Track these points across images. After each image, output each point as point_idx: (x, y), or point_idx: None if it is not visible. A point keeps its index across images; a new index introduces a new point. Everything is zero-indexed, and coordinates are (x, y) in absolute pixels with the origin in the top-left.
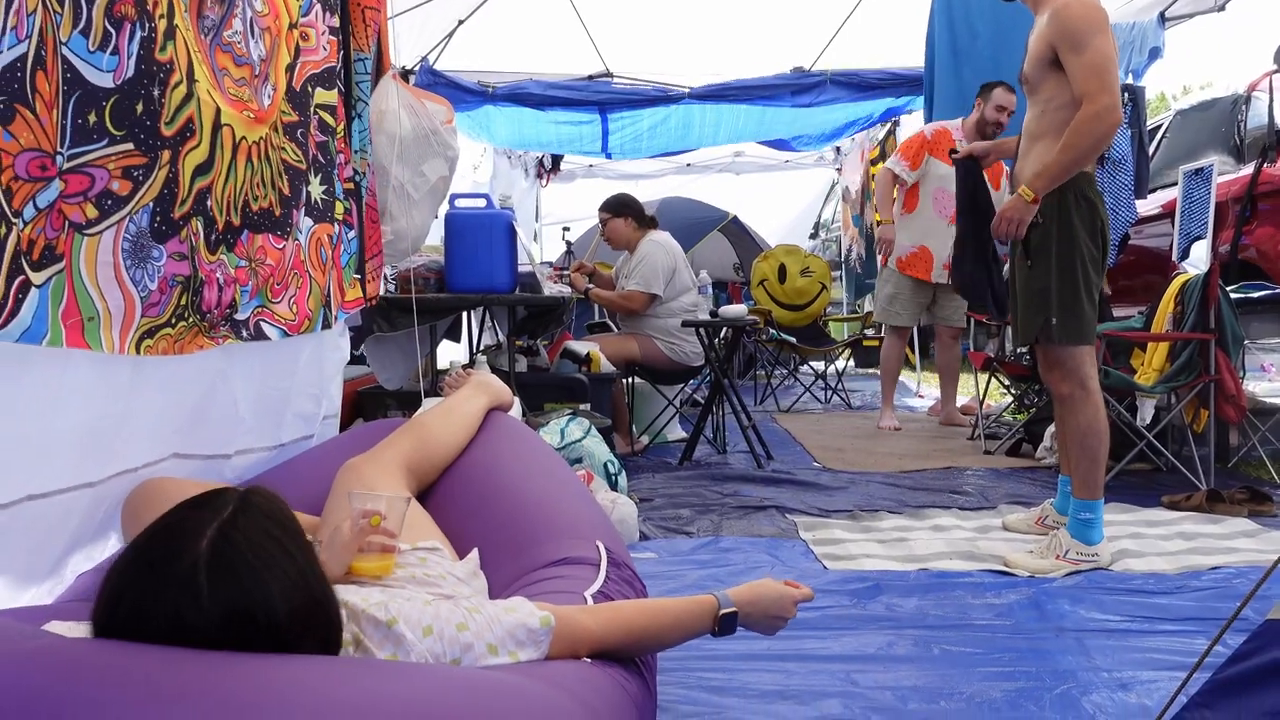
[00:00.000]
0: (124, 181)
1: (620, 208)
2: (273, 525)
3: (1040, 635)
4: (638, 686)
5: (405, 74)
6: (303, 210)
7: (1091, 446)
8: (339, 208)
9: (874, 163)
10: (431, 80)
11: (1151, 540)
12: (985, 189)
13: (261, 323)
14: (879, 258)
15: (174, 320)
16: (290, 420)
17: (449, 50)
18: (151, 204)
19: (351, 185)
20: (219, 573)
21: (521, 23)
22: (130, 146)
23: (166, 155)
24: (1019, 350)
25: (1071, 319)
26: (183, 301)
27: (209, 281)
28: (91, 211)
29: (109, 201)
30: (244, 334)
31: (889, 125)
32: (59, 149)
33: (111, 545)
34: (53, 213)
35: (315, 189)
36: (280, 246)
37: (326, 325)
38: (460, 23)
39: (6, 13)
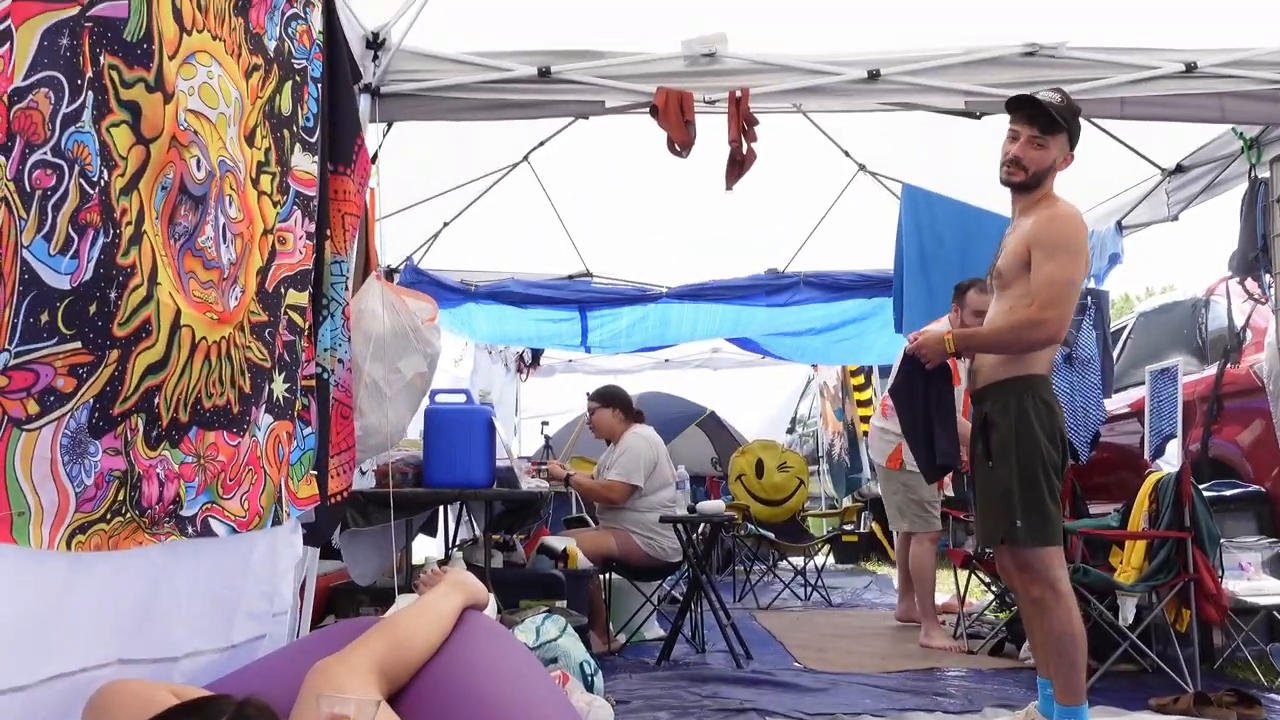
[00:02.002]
0: (69, 379)
1: (610, 399)
2: None
3: None
4: None
5: (390, 273)
6: (263, 408)
7: (1069, 651)
8: (298, 405)
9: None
10: (415, 278)
11: None
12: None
13: (210, 519)
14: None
15: (109, 515)
16: (241, 620)
17: (434, 250)
18: (92, 400)
19: (311, 383)
20: None
21: (504, 224)
22: (79, 345)
23: (115, 354)
24: (984, 550)
25: (1036, 520)
26: (119, 497)
27: (148, 477)
28: (33, 408)
29: (51, 398)
30: (190, 530)
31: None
32: (6, 346)
33: None
34: None
35: (279, 386)
36: (234, 443)
37: (278, 521)
38: (446, 224)
39: None
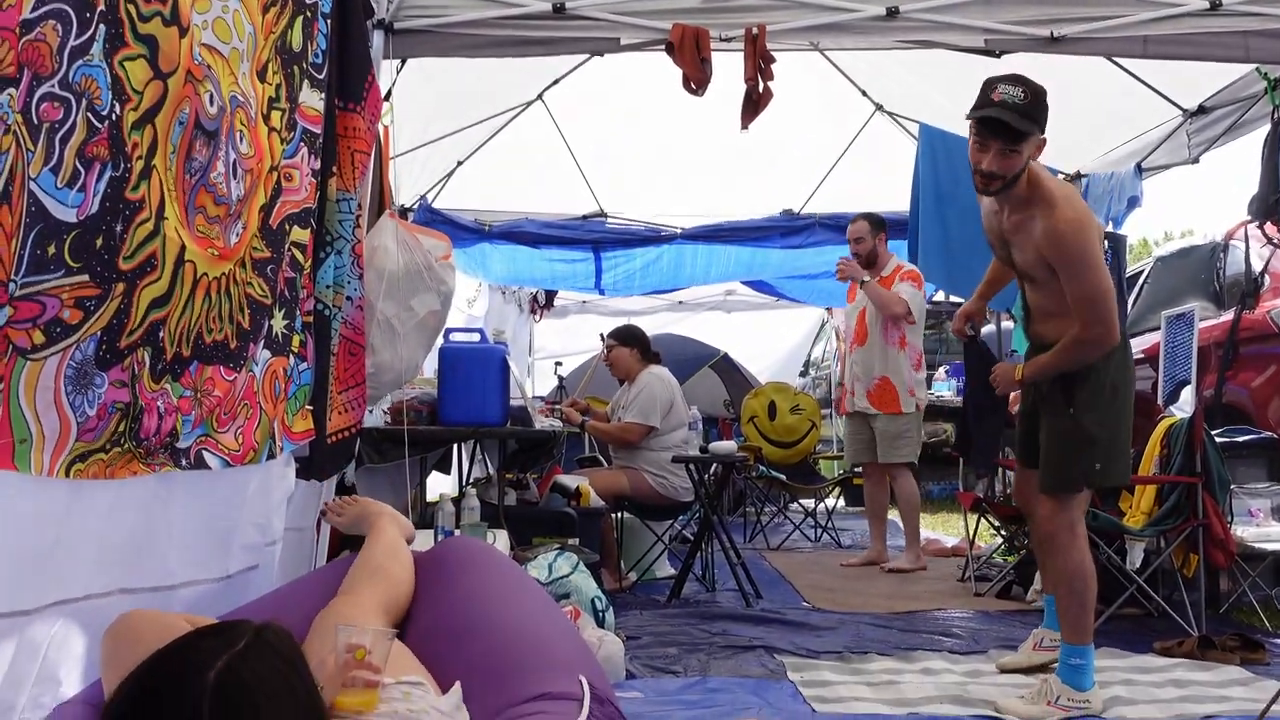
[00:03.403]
0: (75, 311)
1: (628, 338)
2: (283, 664)
3: None
4: None
5: (404, 212)
6: (262, 343)
7: (1079, 590)
8: (295, 341)
9: None
10: (429, 218)
11: (1144, 687)
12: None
13: (204, 452)
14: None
15: (108, 446)
16: (236, 551)
17: (448, 189)
18: (99, 333)
19: (310, 319)
20: (222, 706)
21: (518, 164)
22: (86, 278)
23: (121, 287)
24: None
25: (1115, 464)
26: (119, 428)
27: (149, 409)
28: (39, 338)
29: (58, 329)
30: (183, 462)
31: None
32: (13, 277)
33: (64, 690)
34: None
35: (278, 323)
36: (231, 378)
37: (272, 456)
38: (460, 163)
39: None
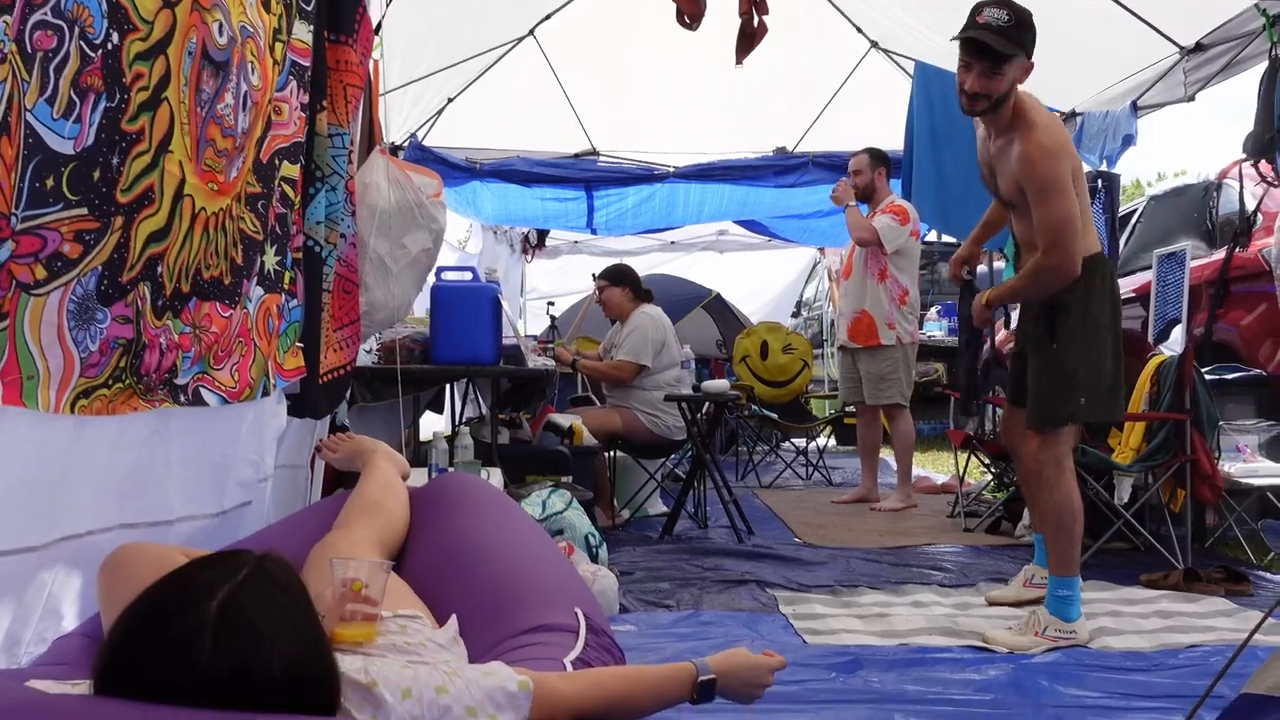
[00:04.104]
0: (75, 244)
1: (619, 277)
2: (282, 593)
3: (1020, 711)
4: None
5: (394, 149)
6: (255, 280)
7: (1067, 524)
8: (286, 277)
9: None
10: (420, 156)
11: (1130, 618)
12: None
13: (201, 389)
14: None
15: (110, 382)
16: (232, 487)
17: (438, 127)
18: (100, 267)
19: (300, 255)
20: (224, 635)
21: (509, 101)
22: (84, 211)
23: (119, 221)
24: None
25: (1100, 398)
26: (121, 364)
27: (151, 346)
28: (41, 273)
29: (59, 263)
30: (181, 399)
31: None
32: (14, 210)
33: (67, 624)
34: (1, 273)
35: (270, 259)
36: (227, 315)
37: (266, 393)
38: (450, 100)
39: None
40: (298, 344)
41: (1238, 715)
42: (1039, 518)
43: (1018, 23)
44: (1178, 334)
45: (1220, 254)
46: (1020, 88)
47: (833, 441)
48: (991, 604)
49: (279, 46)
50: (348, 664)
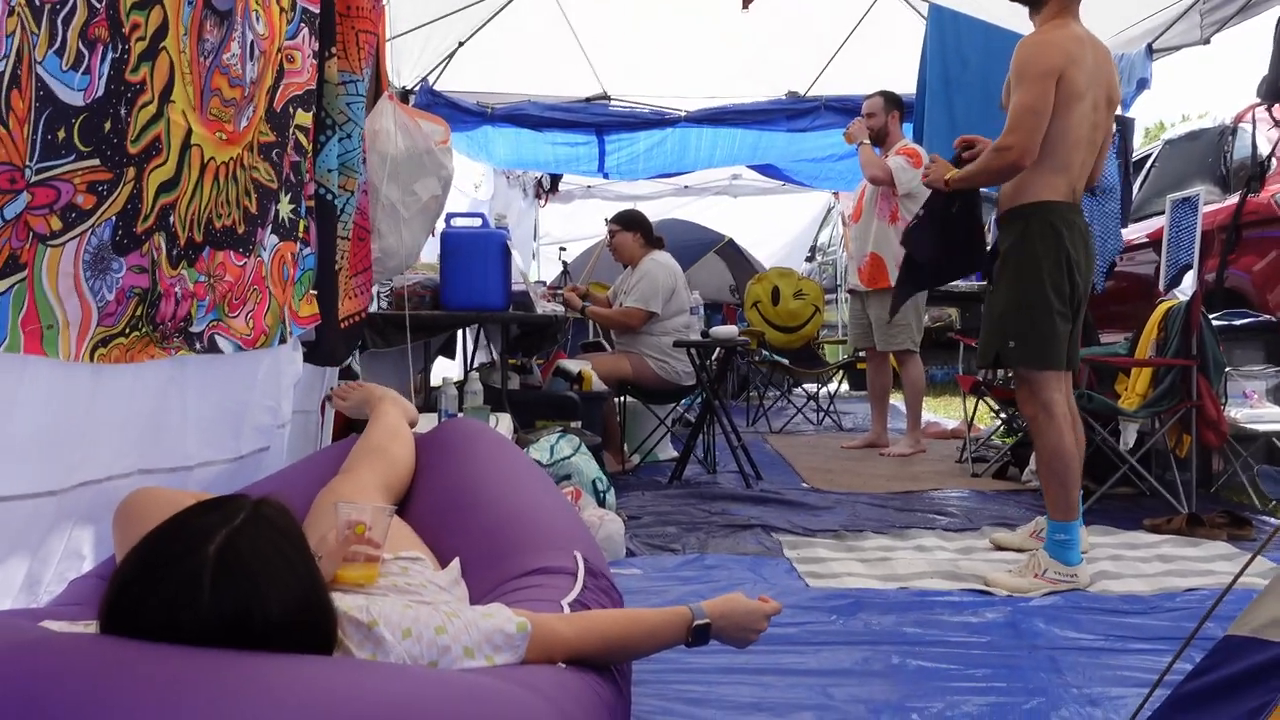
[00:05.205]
0: (89, 195)
1: (631, 223)
2: (279, 537)
3: (1015, 652)
4: (611, 693)
5: (405, 94)
6: (269, 228)
7: (1058, 470)
8: (301, 226)
9: None
10: (431, 100)
11: (1130, 562)
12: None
13: (216, 336)
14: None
15: (127, 330)
16: (248, 433)
17: (449, 71)
18: (114, 218)
19: (313, 203)
20: (223, 578)
21: (520, 45)
22: (97, 162)
23: (131, 172)
24: (994, 376)
25: (1030, 343)
26: (138, 313)
27: (167, 295)
28: (56, 224)
29: (73, 214)
30: (197, 346)
31: None
32: (28, 163)
33: (86, 566)
34: (18, 224)
35: (284, 208)
36: (241, 263)
37: (282, 340)
38: (460, 44)
39: None
40: (312, 291)
41: (1221, 657)
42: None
43: None
44: (1189, 280)
45: (1234, 199)
46: (1076, 22)
47: (845, 386)
48: (996, 547)
49: None
50: (349, 603)
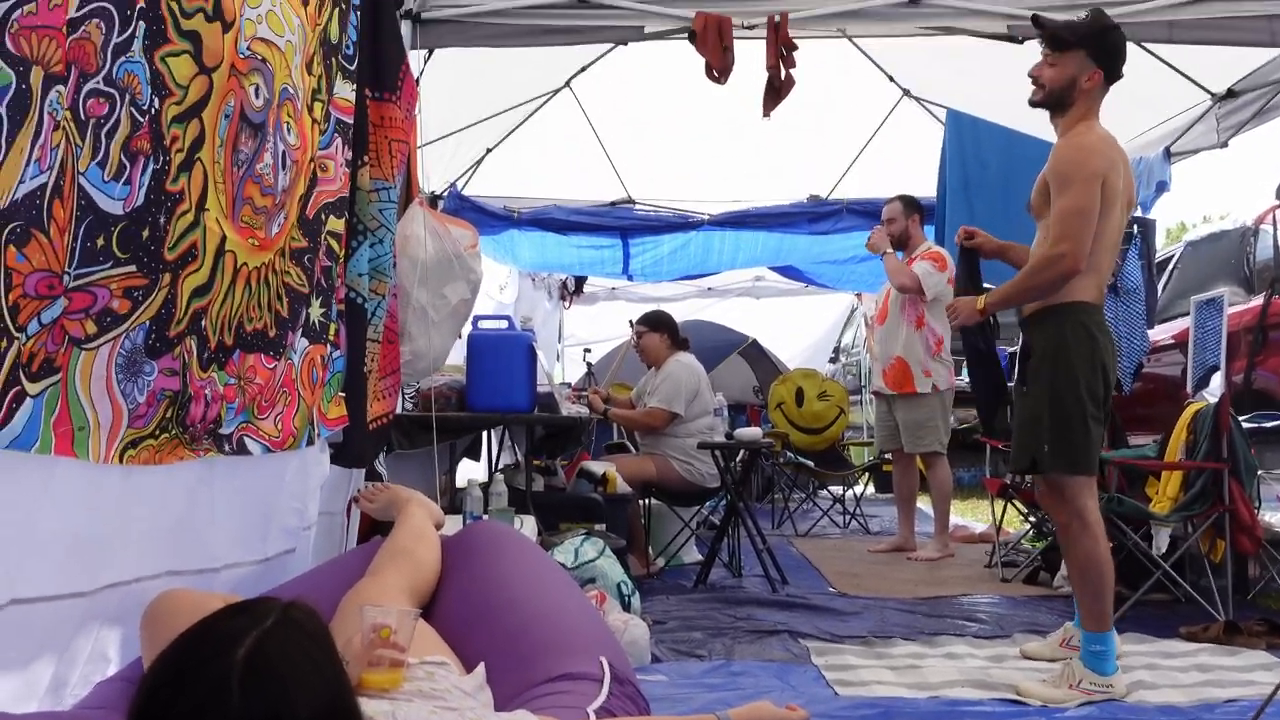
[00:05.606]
0: (124, 300)
1: (658, 324)
2: (308, 641)
3: None
4: None
5: (434, 199)
6: (300, 331)
7: (1093, 579)
8: (331, 329)
9: None
10: (459, 205)
11: (1167, 672)
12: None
13: (245, 438)
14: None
15: (157, 432)
16: (275, 534)
17: (477, 176)
18: (148, 322)
19: (343, 306)
20: (252, 683)
21: (546, 151)
22: (133, 269)
23: (167, 278)
24: (1021, 479)
25: (1064, 448)
26: (168, 415)
27: (197, 397)
28: (91, 328)
29: (108, 319)
30: (226, 448)
31: None
32: (67, 269)
33: (112, 669)
34: (55, 328)
35: (315, 311)
36: (271, 366)
37: (310, 442)
38: (488, 151)
39: (33, 147)
40: (340, 393)
41: None
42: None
43: (1091, 23)
44: (1217, 381)
45: (1258, 300)
46: (1100, 124)
47: (871, 489)
48: (1026, 657)
49: (318, 106)
50: (374, 708)
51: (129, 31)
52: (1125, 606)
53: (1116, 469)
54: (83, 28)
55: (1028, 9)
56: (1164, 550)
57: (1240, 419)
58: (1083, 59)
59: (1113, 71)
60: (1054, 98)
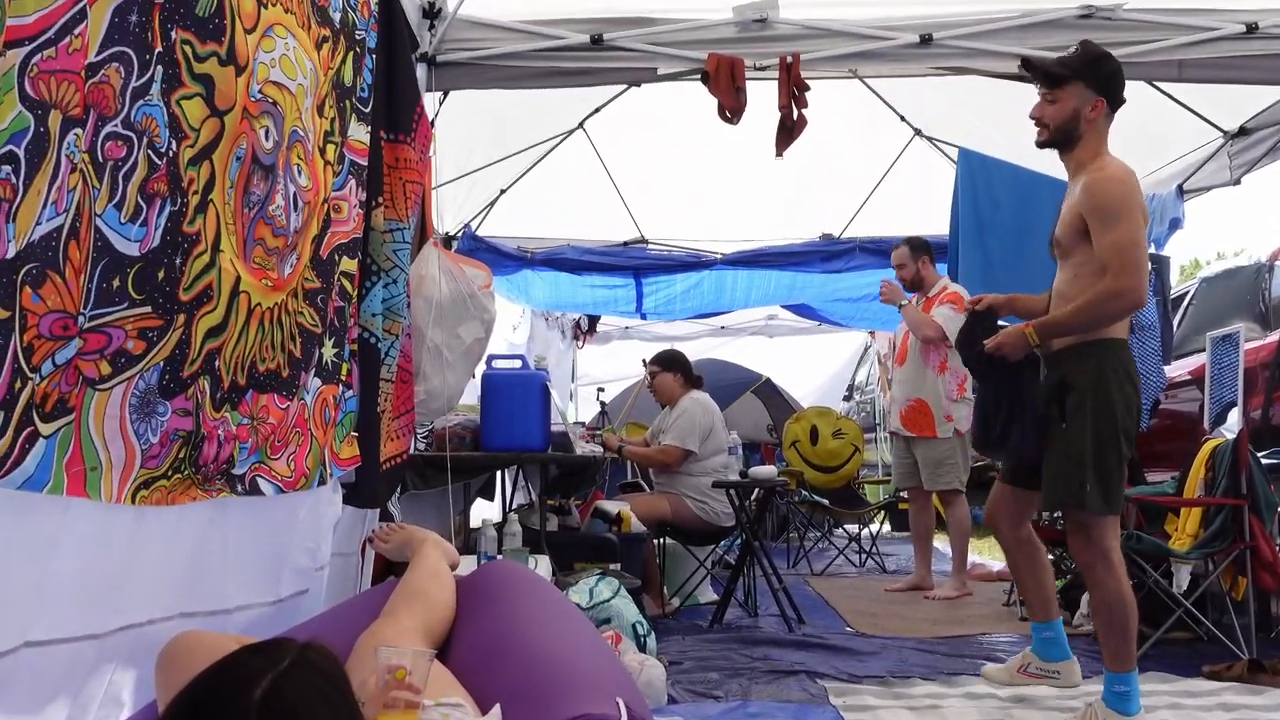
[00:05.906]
0: (139, 341)
1: (671, 363)
2: (325, 682)
3: None
4: None
5: (448, 240)
6: (313, 371)
7: (1119, 619)
8: (344, 369)
9: None
10: (473, 245)
11: (1191, 711)
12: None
13: (258, 479)
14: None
15: (169, 473)
16: (288, 575)
17: (491, 217)
18: (162, 363)
19: (356, 346)
20: None
21: (559, 192)
22: (148, 309)
23: (182, 318)
24: (1052, 516)
25: (1106, 486)
26: (180, 455)
27: (210, 437)
28: (105, 368)
29: (123, 359)
30: (239, 488)
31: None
32: (81, 310)
33: (125, 713)
34: (69, 369)
35: (328, 351)
36: (284, 406)
37: (322, 482)
38: (502, 191)
39: (50, 189)
40: (353, 434)
41: None
42: (1037, 603)
43: (1082, 54)
44: (1234, 417)
45: (1275, 336)
46: (1112, 154)
47: (887, 527)
48: (986, 679)
49: (330, 148)
50: None
51: (148, 75)
52: (1147, 645)
53: (1135, 506)
54: (102, 72)
55: (1040, 48)
56: (1185, 588)
57: (1259, 454)
58: (1082, 90)
59: (1114, 98)
60: (1061, 134)
